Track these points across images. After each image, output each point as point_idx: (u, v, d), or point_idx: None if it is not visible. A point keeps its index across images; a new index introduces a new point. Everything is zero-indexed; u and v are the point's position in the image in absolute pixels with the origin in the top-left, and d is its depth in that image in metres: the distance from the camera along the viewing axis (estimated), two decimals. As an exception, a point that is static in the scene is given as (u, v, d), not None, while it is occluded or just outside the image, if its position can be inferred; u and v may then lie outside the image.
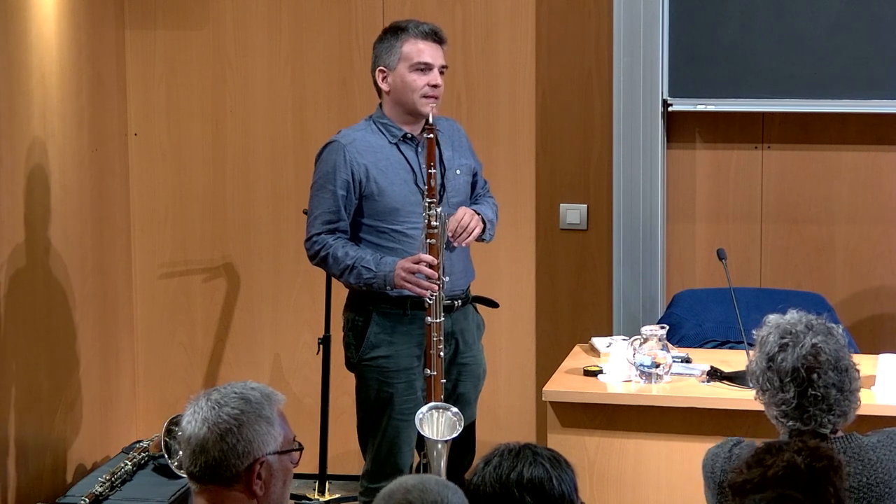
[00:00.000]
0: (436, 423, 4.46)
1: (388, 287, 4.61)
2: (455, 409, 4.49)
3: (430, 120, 4.59)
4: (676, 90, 5.79)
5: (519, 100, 6.04)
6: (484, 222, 4.76)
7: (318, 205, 4.72)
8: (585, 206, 6.03)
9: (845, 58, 5.64)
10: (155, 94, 6.27)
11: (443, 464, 4.45)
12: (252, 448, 3.00)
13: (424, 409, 4.47)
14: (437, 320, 4.55)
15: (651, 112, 5.78)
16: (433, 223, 4.54)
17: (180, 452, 3.08)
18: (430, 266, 4.54)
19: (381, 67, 4.72)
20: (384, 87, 4.72)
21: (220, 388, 3.05)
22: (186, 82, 6.25)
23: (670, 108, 5.82)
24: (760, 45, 5.69)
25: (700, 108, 5.82)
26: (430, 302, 4.55)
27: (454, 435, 4.45)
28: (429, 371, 4.56)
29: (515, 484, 2.87)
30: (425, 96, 4.67)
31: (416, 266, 4.54)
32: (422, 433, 4.46)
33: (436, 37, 4.74)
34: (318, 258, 4.72)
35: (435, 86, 4.68)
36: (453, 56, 6.01)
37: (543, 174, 6.05)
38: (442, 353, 4.57)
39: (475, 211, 4.76)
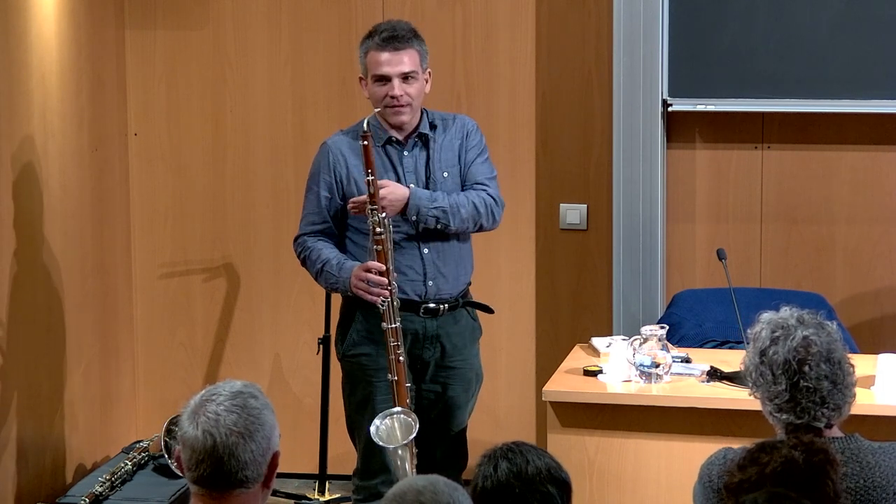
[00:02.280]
0: (392, 430, 4.47)
1: (348, 292, 4.64)
2: (399, 409, 4.49)
3: (366, 127, 4.56)
4: (676, 90, 5.79)
5: (519, 100, 6.04)
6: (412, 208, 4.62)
7: (305, 206, 4.80)
8: (585, 206, 6.03)
9: (845, 58, 5.63)
10: (155, 94, 6.27)
11: (408, 467, 4.46)
12: (271, 443, 2.97)
13: (377, 420, 4.48)
14: (393, 325, 4.55)
15: (651, 112, 5.78)
16: (377, 230, 4.54)
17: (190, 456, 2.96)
18: (380, 273, 4.54)
19: (361, 76, 4.75)
20: (365, 94, 4.75)
21: (211, 397, 2.95)
22: (186, 82, 6.25)
23: (670, 108, 5.82)
24: (760, 45, 5.69)
25: (700, 108, 5.82)
26: (383, 308, 4.55)
27: (412, 435, 4.46)
28: (390, 376, 4.56)
29: (536, 476, 2.96)
30: (387, 106, 4.66)
31: (365, 274, 4.55)
32: (379, 444, 4.46)
33: (394, 43, 4.65)
34: (300, 259, 4.83)
35: (393, 97, 4.65)
36: (453, 56, 6.02)
37: (543, 174, 6.05)
38: (402, 358, 4.55)
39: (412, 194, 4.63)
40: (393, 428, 4.48)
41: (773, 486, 2.85)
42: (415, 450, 4.52)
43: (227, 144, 6.26)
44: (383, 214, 4.55)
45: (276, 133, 6.21)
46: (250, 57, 6.19)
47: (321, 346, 5.86)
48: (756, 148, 5.90)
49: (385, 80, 4.65)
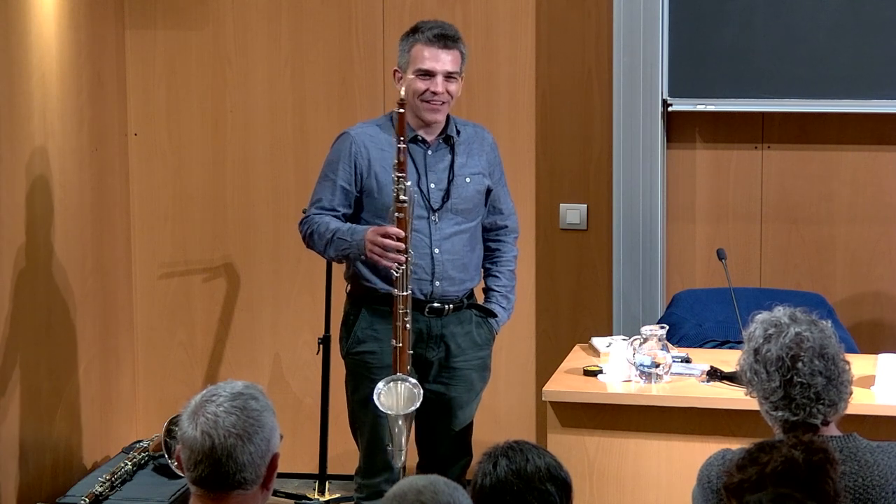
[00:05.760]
0: (395, 396, 4.46)
1: (361, 255, 4.60)
2: (413, 381, 4.49)
3: (402, 94, 4.56)
4: (676, 90, 5.79)
5: (519, 100, 6.04)
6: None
7: (317, 191, 4.77)
8: (585, 206, 6.03)
9: (845, 58, 5.64)
10: (155, 94, 6.27)
11: (404, 439, 4.45)
12: (270, 445, 2.97)
13: (381, 384, 4.46)
14: (404, 293, 4.53)
15: (651, 112, 5.78)
16: (401, 197, 4.52)
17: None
18: (398, 239, 4.53)
19: (396, 68, 4.74)
20: (398, 87, 4.71)
21: (212, 398, 2.95)
22: (186, 82, 6.25)
23: (670, 108, 5.82)
24: (760, 45, 5.69)
25: (700, 108, 5.82)
26: (397, 275, 4.53)
27: (414, 407, 4.45)
28: (394, 342, 4.55)
29: (536, 475, 2.98)
30: (424, 101, 4.67)
31: (383, 240, 4.53)
32: (380, 408, 4.45)
33: (444, 41, 4.69)
34: (306, 236, 4.76)
35: (434, 93, 4.66)
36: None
37: (543, 174, 6.05)
38: (409, 326, 4.54)
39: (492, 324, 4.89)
40: (396, 395, 4.47)
41: (773, 485, 2.85)
42: (413, 423, 4.54)
43: (227, 144, 6.26)
44: (409, 183, 4.54)
45: (276, 133, 6.21)
46: (250, 57, 6.19)
47: (321, 345, 5.86)
48: (756, 148, 5.90)
49: (429, 75, 4.66)
